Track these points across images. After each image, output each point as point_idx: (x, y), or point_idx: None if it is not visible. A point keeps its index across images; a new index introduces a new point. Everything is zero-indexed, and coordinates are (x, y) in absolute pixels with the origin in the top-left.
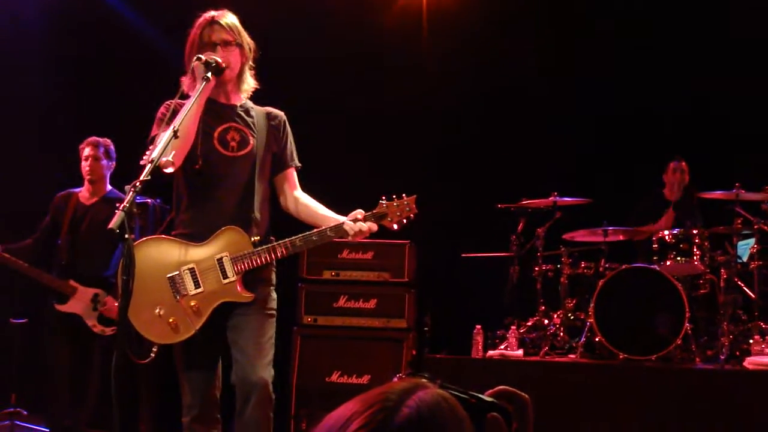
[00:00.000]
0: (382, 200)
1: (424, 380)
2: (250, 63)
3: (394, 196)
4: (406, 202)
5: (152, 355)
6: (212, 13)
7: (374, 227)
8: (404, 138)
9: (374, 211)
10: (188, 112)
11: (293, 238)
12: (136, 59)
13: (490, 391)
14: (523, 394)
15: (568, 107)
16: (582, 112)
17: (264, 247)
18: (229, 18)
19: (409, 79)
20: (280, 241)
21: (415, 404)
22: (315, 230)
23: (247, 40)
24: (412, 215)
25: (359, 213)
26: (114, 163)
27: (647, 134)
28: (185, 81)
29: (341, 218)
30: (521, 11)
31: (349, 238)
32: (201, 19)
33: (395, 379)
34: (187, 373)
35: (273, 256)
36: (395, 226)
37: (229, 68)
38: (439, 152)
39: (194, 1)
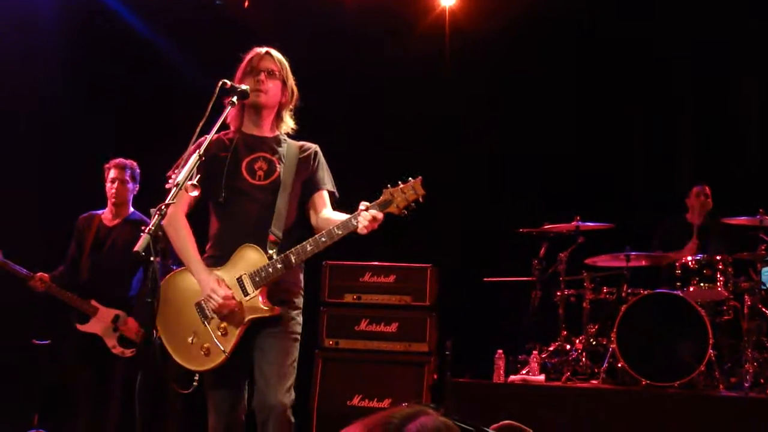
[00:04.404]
0: (386, 187)
1: (427, 408)
2: (291, 107)
3: (399, 182)
4: (411, 185)
5: (195, 383)
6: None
7: (379, 216)
8: (424, 159)
9: (378, 200)
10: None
11: (303, 243)
12: (157, 79)
13: (495, 425)
14: (528, 429)
15: (592, 131)
16: (605, 136)
17: (277, 258)
18: (280, 54)
19: (432, 103)
20: (292, 248)
21: (416, 428)
22: (323, 231)
23: (291, 81)
24: (420, 198)
25: (363, 204)
26: (138, 186)
27: (671, 159)
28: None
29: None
30: (544, 33)
31: (359, 231)
32: (254, 49)
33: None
34: (212, 393)
35: (288, 264)
36: (405, 212)
37: (266, 95)
38: (461, 175)
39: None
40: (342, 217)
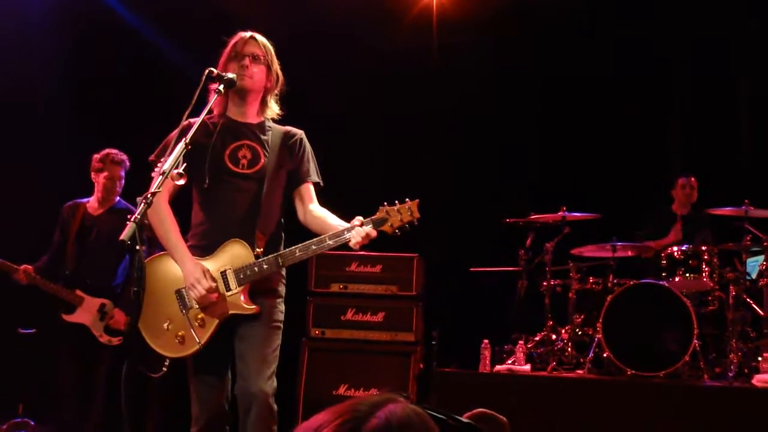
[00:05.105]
0: (383, 205)
1: (397, 395)
2: (275, 93)
3: (396, 202)
4: (407, 207)
5: (164, 369)
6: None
7: (373, 233)
8: (413, 151)
9: (373, 217)
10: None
11: (293, 247)
12: (142, 68)
13: (468, 413)
14: (501, 417)
15: (577, 121)
16: (591, 125)
17: (264, 258)
18: (264, 39)
19: (419, 92)
20: (280, 252)
21: (384, 415)
22: (314, 239)
23: (276, 66)
24: (414, 220)
25: (358, 219)
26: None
27: (659, 150)
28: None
29: (346, 225)
30: (533, 25)
31: (351, 245)
32: (238, 34)
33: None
34: (195, 383)
35: (274, 266)
36: (397, 232)
37: (252, 80)
38: (448, 166)
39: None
40: (332, 218)
